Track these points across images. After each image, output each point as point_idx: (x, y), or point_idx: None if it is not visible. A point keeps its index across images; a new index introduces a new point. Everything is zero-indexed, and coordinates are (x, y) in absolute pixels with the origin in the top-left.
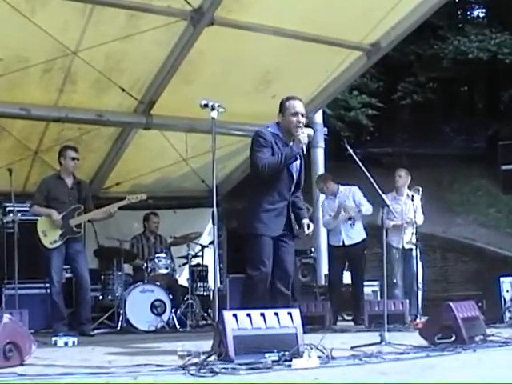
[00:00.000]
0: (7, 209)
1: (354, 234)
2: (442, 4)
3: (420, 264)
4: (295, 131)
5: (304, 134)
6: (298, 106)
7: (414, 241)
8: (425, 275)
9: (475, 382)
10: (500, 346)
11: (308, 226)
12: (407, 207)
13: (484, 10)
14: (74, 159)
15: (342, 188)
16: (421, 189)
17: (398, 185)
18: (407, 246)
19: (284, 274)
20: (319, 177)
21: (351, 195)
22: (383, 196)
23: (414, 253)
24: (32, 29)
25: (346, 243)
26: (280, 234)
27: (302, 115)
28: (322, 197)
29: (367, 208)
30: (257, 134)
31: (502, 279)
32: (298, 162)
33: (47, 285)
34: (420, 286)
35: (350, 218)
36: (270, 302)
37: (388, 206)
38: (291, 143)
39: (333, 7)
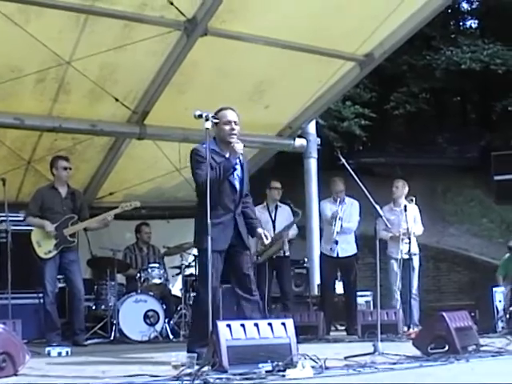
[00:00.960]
0: (0, 218)
1: (349, 247)
2: (435, 15)
3: (416, 274)
4: (230, 139)
5: (239, 144)
6: (230, 115)
7: (412, 251)
8: (419, 285)
9: None
10: (493, 356)
11: (266, 236)
12: (404, 218)
13: (477, 21)
14: (66, 169)
15: (346, 199)
16: (414, 198)
17: (395, 196)
18: (405, 257)
19: (243, 278)
20: (340, 179)
21: (350, 207)
22: (377, 207)
23: (412, 263)
24: (26, 38)
25: (340, 255)
26: (231, 246)
27: (235, 123)
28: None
29: (349, 226)
30: (192, 151)
31: (494, 289)
32: (240, 172)
33: (40, 295)
34: (415, 296)
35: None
36: (238, 312)
37: (381, 216)
38: (227, 155)
39: (326, 18)
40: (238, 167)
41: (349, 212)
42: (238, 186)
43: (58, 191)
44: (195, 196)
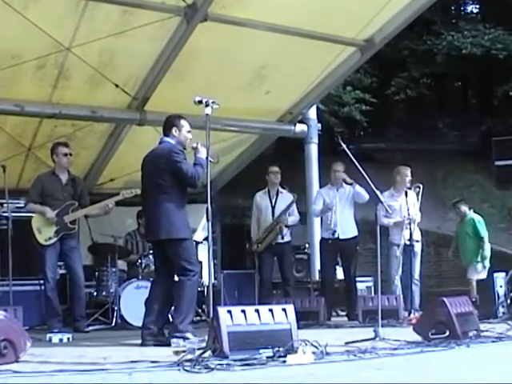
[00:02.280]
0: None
1: (348, 230)
2: (436, 0)
3: (418, 260)
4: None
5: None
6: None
7: (415, 237)
8: (420, 271)
9: (469, 377)
10: (493, 342)
11: None
12: (405, 204)
13: (478, 6)
14: (66, 155)
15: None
16: (421, 187)
17: (403, 185)
18: (408, 243)
19: None
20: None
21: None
22: (377, 192)
23: (415, 249)
24: (25, 25)
25: (340, 237)
26: None
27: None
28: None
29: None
30: (174, 149)
31: (495, 275)
32: None
33: (41, 281)
34: (417, 281)
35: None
36: None
37: (382, 202)
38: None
39: (327, 3)
40: None
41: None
42: None
43: (58, 178)
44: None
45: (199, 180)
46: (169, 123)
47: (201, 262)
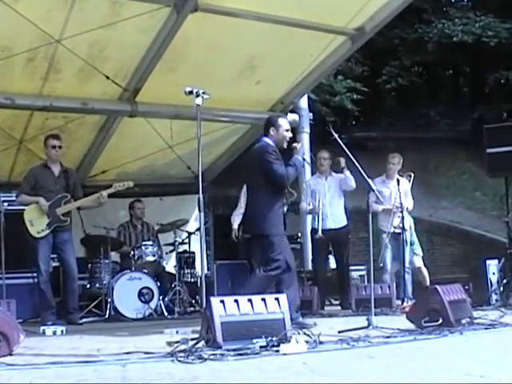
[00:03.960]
0: None
1: (338, 219)
2: None
3: (408, 248)
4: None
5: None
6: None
7: (403, 225)
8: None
9: (462, 364)
10: (486, 329)
11: None
12: (396, 191)
13: None
14: (54, 147)
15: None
16: (413, 175)
17: (391, 172)
18: (397, 231)
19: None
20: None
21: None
22: (369, 181)
23: (405, 237)
24: (14, 17)
25: (332, 226)
26: None
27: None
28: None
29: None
30: (266, 149)
31: (488, 262)
32: None
33: (35, 274)
34: (408, 270)
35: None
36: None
37: (374, 190)
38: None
39: None
40: None
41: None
42: None
43: (50, 170)
44: (190, 173)
45: (288, 180)
46: (267, 123)
47: (194, 253)
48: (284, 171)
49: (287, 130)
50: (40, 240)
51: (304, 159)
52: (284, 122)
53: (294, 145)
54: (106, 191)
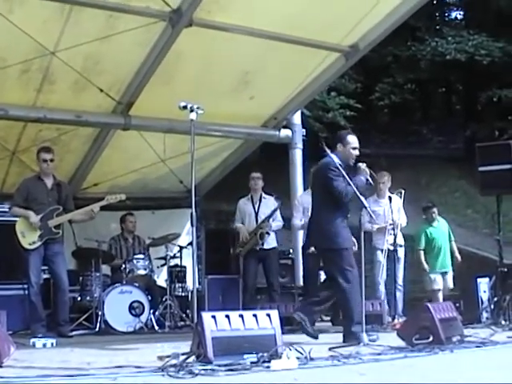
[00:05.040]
0: None
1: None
2: (420, 7)
3: (402, 265)
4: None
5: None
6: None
7: (398, 242)
8: (404, 276)
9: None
10: (477, 347)
11: None
12: (388, 209)
13: (462, 12)
14: (45, 161)
15: None
16: (403, 191)
17: (382, 191)
18: (391, 248)
19: None
20: None
21: None
22: (362, 198)
23: (399, 254)
24: (10, 28)
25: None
26: None
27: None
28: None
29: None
30: (329, 166)
31: (479, 280)
32: None
33: (25, 286)
34: (400, 287)
35: None
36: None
37: (366, 207)
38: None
39: (311, 9)
40: None
41: None
42: None
43: (43, 182)
44: (182, 187)
45: (347, 198)
46: (336, 138)
47: (185, 267)
48: (344, 189)
49: (354, 148)
50: (31, 252)
51: (367, 180)
52: (353, 139)
53: (359, 165)
54: (98, 204)
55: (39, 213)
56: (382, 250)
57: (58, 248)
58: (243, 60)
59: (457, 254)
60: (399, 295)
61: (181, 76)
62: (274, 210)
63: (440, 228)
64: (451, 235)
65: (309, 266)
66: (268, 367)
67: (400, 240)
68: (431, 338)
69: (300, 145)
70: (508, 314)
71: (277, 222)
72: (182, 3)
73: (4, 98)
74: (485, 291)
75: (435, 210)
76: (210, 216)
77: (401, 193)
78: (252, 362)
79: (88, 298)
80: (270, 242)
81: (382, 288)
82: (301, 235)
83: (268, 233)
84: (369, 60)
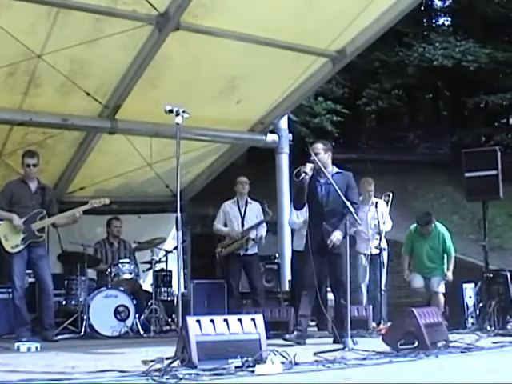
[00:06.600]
0: None
1: None
2: (407, 12)
3: (384, 270)
4: None
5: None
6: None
7: (382, 246)
8: (388, 281)
9: None
10: (462, 352)
11: None
12: (372, 214)
13: (449, 19)
14: (29, 166)
15: None
16: (391, 195)
17: (367, 195)
18: (374, 252)
19: None
20: None
21: None
22: (347, 203)
23: (382, 259)
24: None
25: None
26: None
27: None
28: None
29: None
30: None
31: (464, 285)
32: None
33: (10, 290)
34: (383, 291)
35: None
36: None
37: (352, 212)
38: None
39: (299, 14)
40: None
41: None
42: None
43: (27, 185)
44: (169, 191)
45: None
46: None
47: (171, 272)
48: None
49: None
50: (15, 255)
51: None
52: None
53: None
54: (82, 208)
55: (23, 216)
56: (364, 255)
57: (42, 251)
58: (230, 64)
59: (449, 274)
60: (383, 300)
61: (167, 80)
62: (261, 222)
63: (432, 239)
64: (447, 246)
65: (297, 272)
66: (253, 372)
67: (383, 244)
68: (416, 343)
69: (286, 149)
70: (493, 320)
71: (262, 228)
72: (169, 7)
73: None
74: (470, 297)
75: (430, 228)
76: (196, 220)
77: (388, 196)
78: (236, 367)
79: (73, 302)
80: (253, 248)
81: (364, 291)
82: (288, 240)
83: (254, 239)
84: (356, 65)
